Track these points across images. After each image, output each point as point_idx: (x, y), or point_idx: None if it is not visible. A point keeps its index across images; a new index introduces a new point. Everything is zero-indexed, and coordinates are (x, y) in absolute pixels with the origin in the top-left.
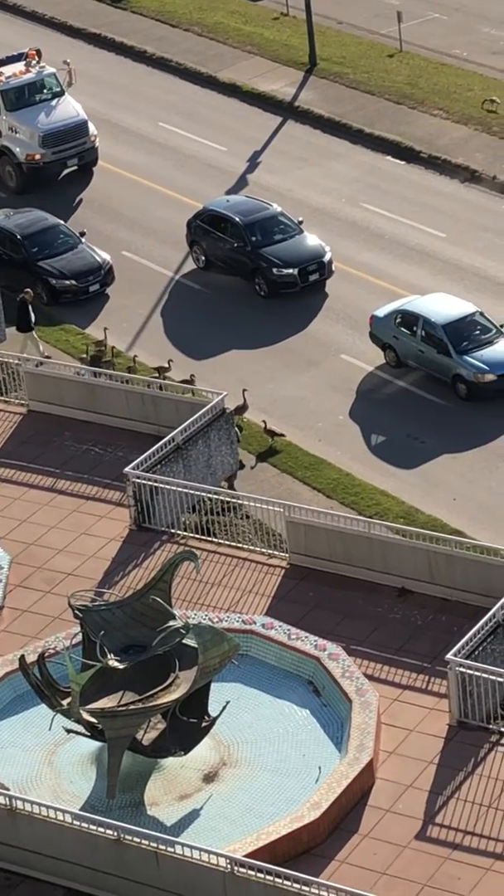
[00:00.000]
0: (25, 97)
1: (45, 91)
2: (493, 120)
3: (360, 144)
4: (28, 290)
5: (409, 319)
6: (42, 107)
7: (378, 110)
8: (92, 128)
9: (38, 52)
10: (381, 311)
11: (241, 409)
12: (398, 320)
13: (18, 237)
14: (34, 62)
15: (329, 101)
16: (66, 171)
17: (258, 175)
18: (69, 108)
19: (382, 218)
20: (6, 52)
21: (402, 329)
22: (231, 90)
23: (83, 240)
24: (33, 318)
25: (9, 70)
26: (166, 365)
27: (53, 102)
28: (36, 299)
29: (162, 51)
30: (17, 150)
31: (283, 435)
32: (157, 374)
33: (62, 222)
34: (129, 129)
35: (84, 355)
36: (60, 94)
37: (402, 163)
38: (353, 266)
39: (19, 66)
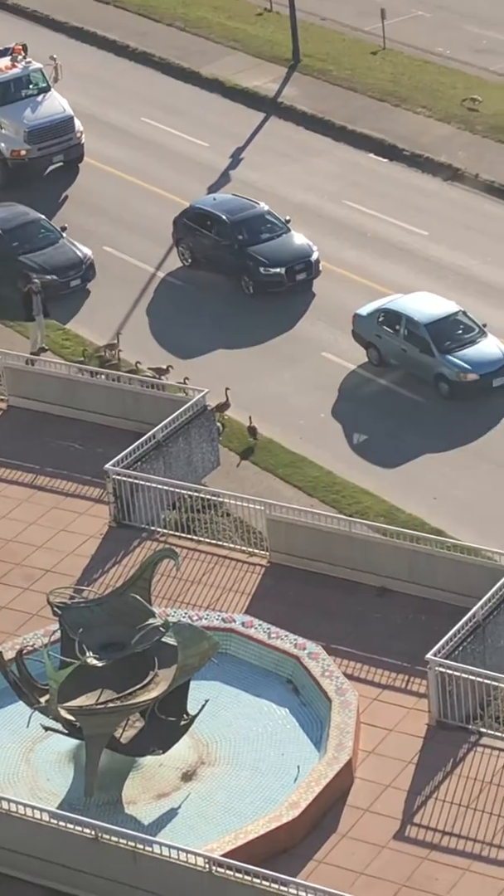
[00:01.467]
0: (11, 92)
1: (31, 86)
2: (475, 118)
3: (342, 141)
4: (36, 280)
5: (391, 318)
6: (28, 102)
7: (361, 107)
8: (78, 124)
9: (24, 48)
10: (364, 310)
11: (223, 406)
12: (381, 319)
13: None
14: (20, 57)
15: (312, 98)
16: (51, 168)
17: (241, 171)
18: (55, 103)
19: (365, 215)
20: None
21: (385, 328)
22: (214, 86)
23: (64, 234)
24: (40, 309)
25: None
26: (164, 367)
27: (39, 98)
28: (16, 293)
29: (145, 46)
30: (2, 145)
31: (255, 435)
32: (156, 377)
33: (43, 217)
34: (112, 123)
35: (82, 357)
36: (46, 89)
37: (385, 160)
38: (335, 264)
39: (5, 61)
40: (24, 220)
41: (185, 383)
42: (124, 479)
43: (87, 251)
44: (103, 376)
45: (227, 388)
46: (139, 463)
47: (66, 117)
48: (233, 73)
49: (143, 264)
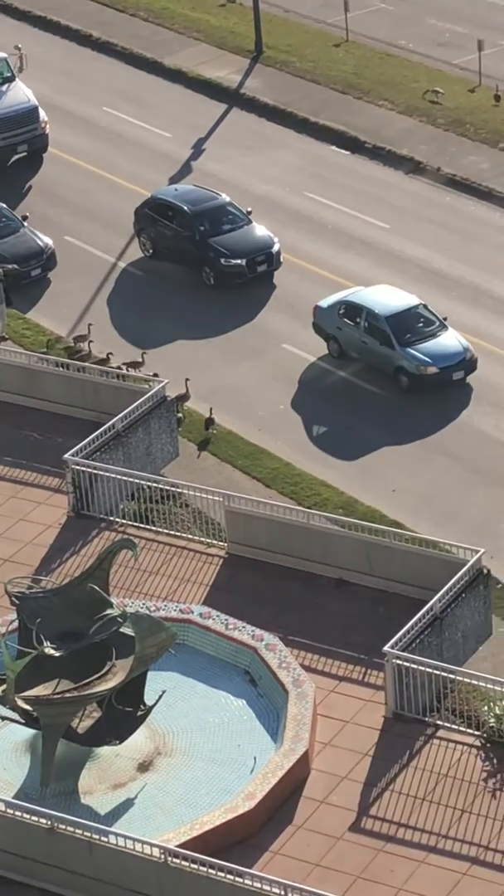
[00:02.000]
0: None
1: None
2: (437, 111)
3: (305, 133)
4: (1, 268)
5: (352, 310)
6: None
7: (324, 100)
8: (42, 114)
9: None
10: (325, 302)
11: (183, 397)
12: (342, 311)
13: None
14: None
15: (275, 90)
16: (14, 157)
17: (203, 162)
18: (20, 93)
19: (326, 208)
20: None
21: (346, 320)
22: (176, 76)
23: (25, 224)
24: (1, 297)
25: None
26: (140, 360)
27: (3, 87)
28: None
29: (107, 35)
30: None
31: (213, 425)
32: (127, 369)
33: (4, 206)
34: (74, 113)
35: (45, 348)
36: (11, 79)
37: (347, 153)
38: (297, 255)
39: None
40: None
41: (155, 376)
42: (83, 468)
43: (48, 240)
44: (70, 367)
45: (186, 380)
46: (98, 453)
47: (31, 107)
48: (195, 64)
49: (103, 254)
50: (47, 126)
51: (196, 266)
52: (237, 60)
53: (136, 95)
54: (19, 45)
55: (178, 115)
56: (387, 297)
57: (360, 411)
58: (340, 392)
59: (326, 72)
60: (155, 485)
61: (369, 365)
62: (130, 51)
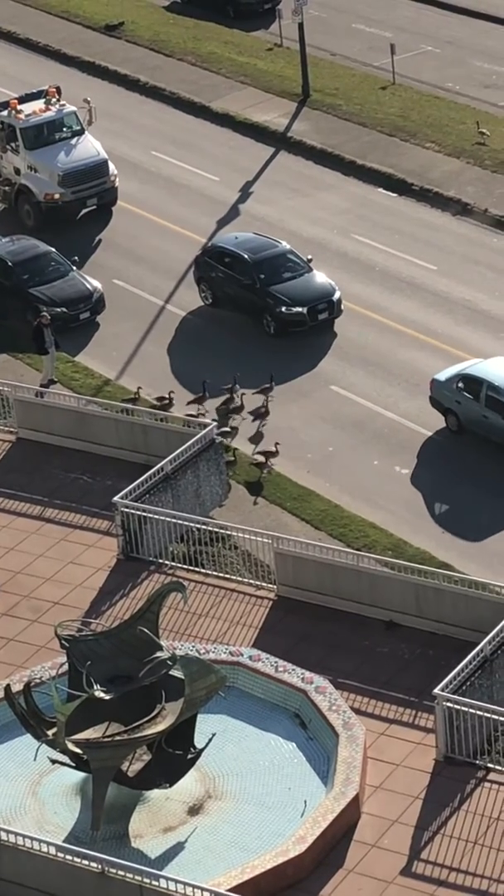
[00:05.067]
0: (45, 135)
1: (64, 129)
2: (484, 153)
3: (352, 176)
4: (45, 313)
5: (472, 384)
6: (62, 145)
7: (370, 142)
8: (112, 167)
9: (59, 90)
10: (442, 375)
11: (271, 454)
12: (460, 385)
13: (10, 263)
14: (54, 100)
15: (322, 133)
16: (84, 211)
17: (250, 205)
18: (89, 147)
19: (373, 250)
20: (8, 84)
21: (466, 394)
22: (224, 120)
23: (74, 268)
24: (51, 341)
25: (28, 108)
26: (167, 396)
27: (73, 141)
28: (26, 326)
29: (155, 80)
30: (36, 189)
31: (268, 466)
32: (157, 406)
33: (54, 250)
34: (123, 157)
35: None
36: (80, 132)
37: (394, 195)
38: (344, 297)
39: (39, 104)
40: (34, 252)
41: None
42: (132, 511)
43: (97, 284)
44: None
45: (276, 444)
46: (147, 496)
47: (101, 160)
48: (243, 108)
49: (152, 297)
50: (116, 179)
51: (256, 315)
52: (284, 104)
53: (185, 139)
54: (88, 98)
55: (225, 158)
56: None
57: (408, 453)
58: (387, 433)
59: (373, 114)
60: (204, 527)
61: (488, 438)
62: (178, 95)
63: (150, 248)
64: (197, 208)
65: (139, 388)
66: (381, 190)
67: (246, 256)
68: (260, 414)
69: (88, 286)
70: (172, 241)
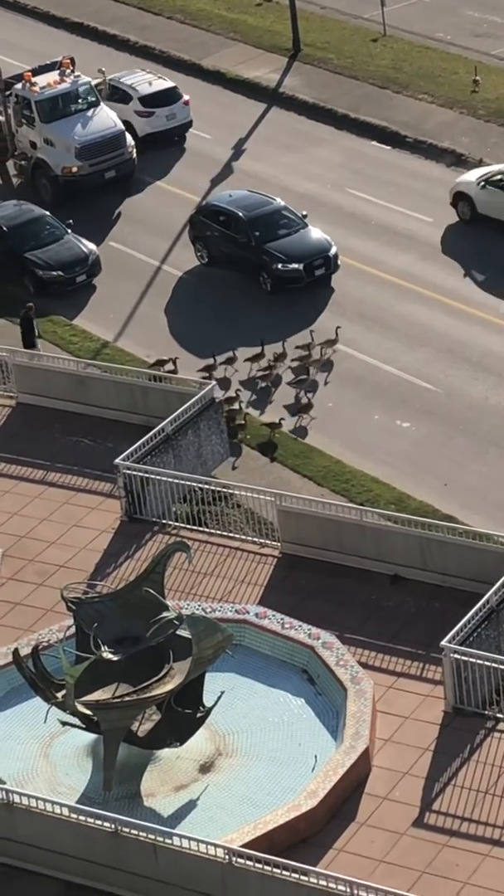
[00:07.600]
0: (60, 108)
1: (80, 101)
2: (478, 103)
3: (345, 130)
4: (30, 304)
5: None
6: (78, 117)
7: (363, 95)
8: (129, 138)
9: (73, 61)
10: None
11: (307, 407)
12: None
13: (4, 229)
14: (68, 71)
15: (313, 87)
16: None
17: (243, 162)
18: (106, 118)
19: (368, 203)
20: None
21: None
22: (215, 77)
23: (69, 231)
24: (37, 332)
25: (43, 80)
26: (165, 358)
27: (89, 113)
28: (23, 290)
29: (145, 39)
30: (53, 163)
31: (279, 426)
32: (156, 367)
33: (48, 213)
34: None
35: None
36: (96, 104)
37: (388, 148)
38: (340, 252)
39: (53, 76)
40: (29, 216)
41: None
42: (135, 473)
43: (93, 246)
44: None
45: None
46: (149, 457)
47: (118, 132)
48: (234, 65)
49: (148, 258)
50: (134, 150)
51: (252, 272)
52: (275, 59)
53: None
54: (103, 69)
55: (217, 115)
56: None
57: (409, 406)
58: (388, 388)
59: (365, 67)
60: (206, 486)
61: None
62: (168, 53)
63: (144, 208)
64: (190, 167)
65: (176, 357)
66: (374, 143)
67: (241, 214)
68: (301, 379)
69: (84, 249)
70: (166, 200)
